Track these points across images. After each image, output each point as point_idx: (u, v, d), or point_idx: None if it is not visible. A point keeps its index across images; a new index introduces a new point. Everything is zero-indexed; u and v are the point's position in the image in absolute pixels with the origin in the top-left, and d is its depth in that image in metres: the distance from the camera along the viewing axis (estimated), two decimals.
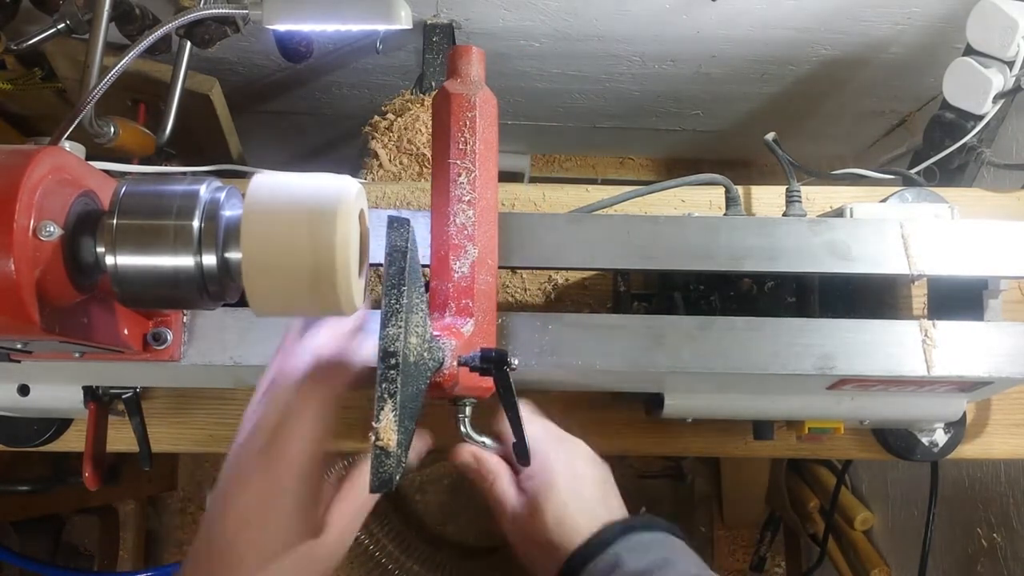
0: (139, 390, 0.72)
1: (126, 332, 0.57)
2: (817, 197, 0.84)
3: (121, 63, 0.69)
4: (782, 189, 0.79)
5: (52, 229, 0.44)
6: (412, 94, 1.15)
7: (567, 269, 0.79)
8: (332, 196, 0.46)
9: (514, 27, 1.22)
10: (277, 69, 1.37)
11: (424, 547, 1.85)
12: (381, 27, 0.85)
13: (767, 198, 0.84)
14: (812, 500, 1.66)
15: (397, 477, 0.48)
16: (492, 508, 0.62)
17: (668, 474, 1.98)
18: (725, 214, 0.76)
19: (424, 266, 0.59)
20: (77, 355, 0.58)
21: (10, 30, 0.99)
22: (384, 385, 0.51)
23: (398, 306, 0.54)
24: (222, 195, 0.49)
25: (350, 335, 0.55)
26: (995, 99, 0.85)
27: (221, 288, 0.49)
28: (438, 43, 1.20)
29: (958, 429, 0.78)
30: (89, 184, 0.50)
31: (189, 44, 0.99)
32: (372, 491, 0.48)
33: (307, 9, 0.85)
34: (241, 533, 0.47)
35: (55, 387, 0.71)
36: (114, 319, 0.56)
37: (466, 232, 0.57)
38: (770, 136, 0.85)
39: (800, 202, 0.77)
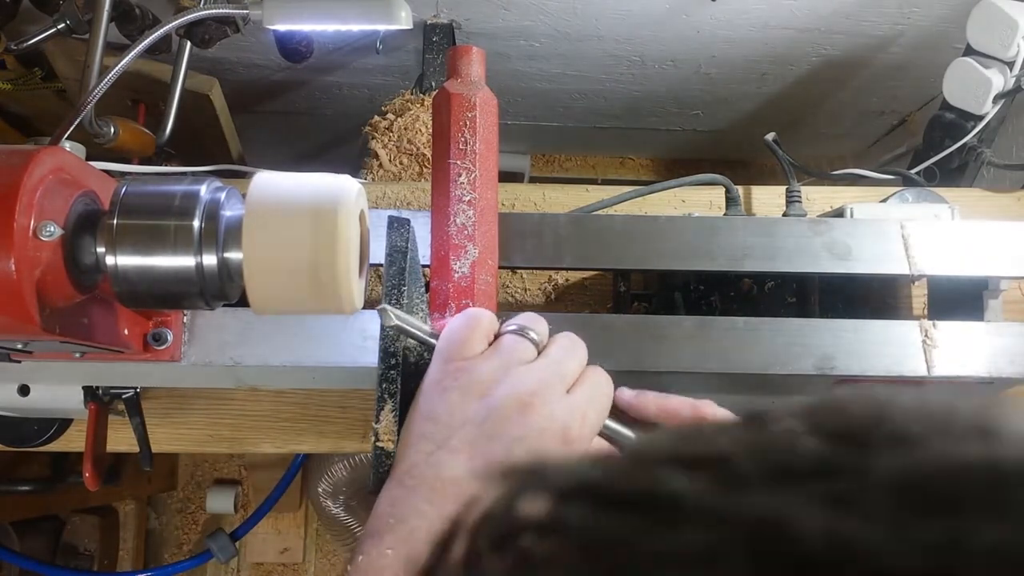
0: (139, 390, 0.72)
1: (126, 332, 0.57)
2: (817, 197, 0.83)
3: (121, 63, 0.69)
4: (782, 189, 0.79)
5: (52, 229, 0.44)
6: (412, 94, 1.15)
7: (567, 269, 0.79)
8: (332, 196, 0.46)
9: (514, 27, 1.22)
10: (277, 69, 1.37)
11: None
12: (381, 27, 0.85)
13: (767, 198, 0.84)
14: None
15: None
16: None
17: None
18: (725, 214, 0.76)
19: (424, 266, 0.59)
20: (77, 355, 0.58)
21: (10, 30, 0.99)
22: (384, 385, 0.52)
23: (398, 306, 0.54)
24: (222, 195, 0.49)
25: None
26: (995, 99, 0.85)
27: (221, 288, 0.49)
28: (438, 43, 1.20)
29: None
30: (89, 184, 0.50)
31: (189, 44, 0.99)
32: (372, 491, 0.48)
33: (307, 9, 0.85)
34: None
35: (55, 387, 0.71)
36: (114, 319, 0.56)
37: (466, 232, 0.57)
38: (770, 136, 0.85)
39: (800, 202, 0.77)
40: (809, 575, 0.14)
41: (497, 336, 0.52)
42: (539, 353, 0.51)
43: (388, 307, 0.50)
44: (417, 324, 0.51)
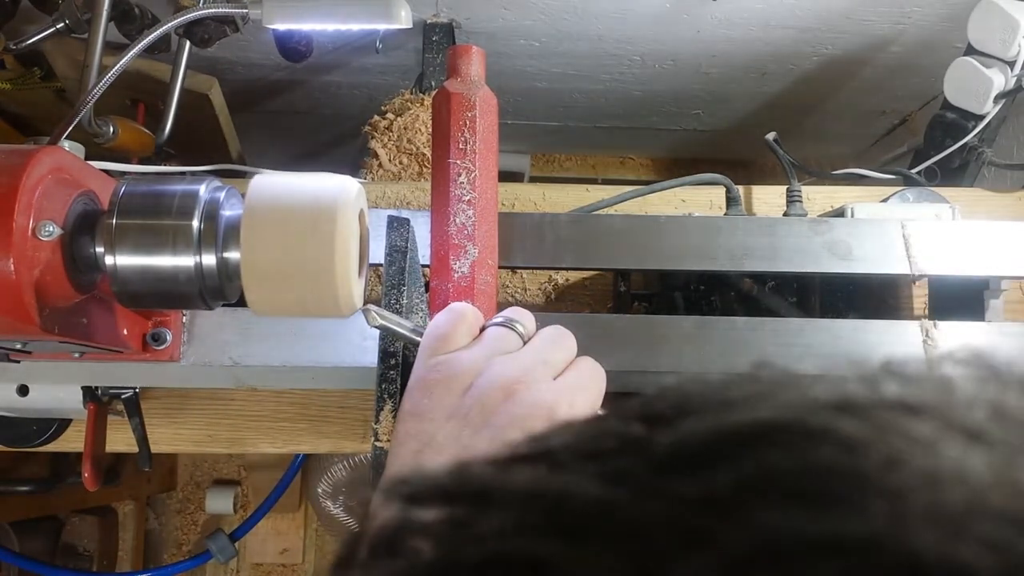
0: (138, 390, 0.72)
1: (125, 332, 0.57)
2: (818, 197, 0.83)
3: (121, 63, 0.69)
4: (783, 189, 0.79)
5: (51, 229, 0.44)
6: (412, 94, 1.15)
7: (567, 269, 0.79)
8: (332, 196, 0.46)
9: (514, 27, 1.22)
10: (277, 69, 1.37)
11: None
12: (381, 26, 0.85)
13: (768, 198, 0.84)
14: None
15: None
16: None
17: None
18: (726, 214, 0.76)
19: (424, 266, 0.59)
20: (77, 355, 0.58)
21: (9, 29, 0.99)
22: (384, 385, 0.51)
23: (398, 306, 0.54)
24: (221, 195, 0.49)
25: None
26: (996, 99, 0.84)
27: (220, 288, 0.48)
28: (438, 43, 1.20)
29: None
30: (88, 184, 0.49)
31: (188, 43, 0.98)
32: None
33: (307, 9, 0.85)
34: None
35: (55, 387, 0.71)
36: (113, 319, 0.56)
37: (466, 232, 0.57)
38: (771, 136, 0.85)
39: (801, 202, 0.77)
40: (579, 534, 0.17)
41: (482, 330, 0.51)
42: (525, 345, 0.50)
43: (372, 307, 0.49)
44: (401, 323, 0.50)
